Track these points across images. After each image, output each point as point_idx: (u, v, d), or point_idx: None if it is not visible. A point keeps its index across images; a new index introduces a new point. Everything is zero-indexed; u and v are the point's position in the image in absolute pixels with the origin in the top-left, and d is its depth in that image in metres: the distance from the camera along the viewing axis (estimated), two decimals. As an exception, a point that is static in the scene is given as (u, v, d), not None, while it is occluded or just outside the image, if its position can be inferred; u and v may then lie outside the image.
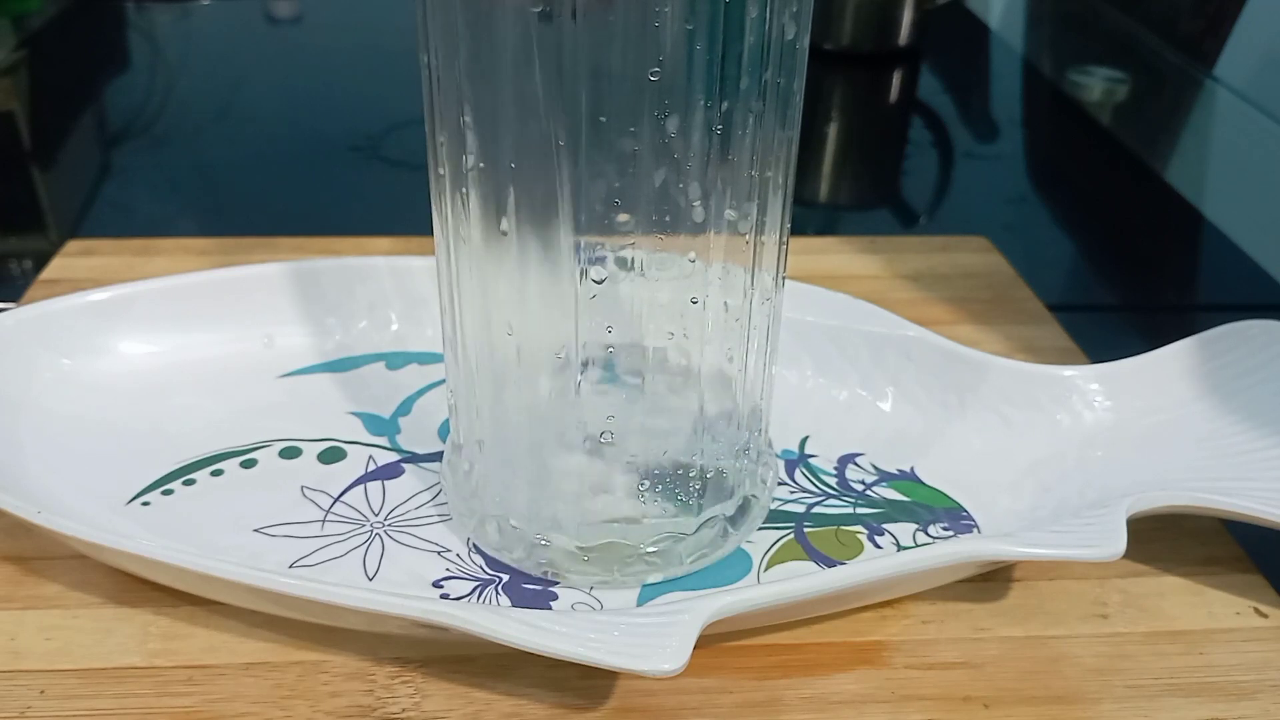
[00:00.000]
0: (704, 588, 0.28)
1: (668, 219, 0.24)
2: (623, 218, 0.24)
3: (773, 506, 0.31)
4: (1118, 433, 0.33)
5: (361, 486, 0.32)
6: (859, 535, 0.31)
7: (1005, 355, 0.36)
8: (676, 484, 0.28)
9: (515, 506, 0.28)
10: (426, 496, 0.31)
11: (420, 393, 0.36)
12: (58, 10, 0.78)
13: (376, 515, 0.31)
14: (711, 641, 0.27)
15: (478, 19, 0.23)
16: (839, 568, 0.28)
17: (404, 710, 0.26)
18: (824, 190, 0.59)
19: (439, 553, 0.30)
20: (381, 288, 0.38)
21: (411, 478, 0.32)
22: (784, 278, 0.28)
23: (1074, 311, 0.44)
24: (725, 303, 0.26)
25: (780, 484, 0.32)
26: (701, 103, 0.23)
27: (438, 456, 0.33)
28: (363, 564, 0.29)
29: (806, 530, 0.31)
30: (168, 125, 0.61)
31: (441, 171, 0.26)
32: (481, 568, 0.29)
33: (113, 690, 0.26)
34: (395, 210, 0.51)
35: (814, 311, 0.36)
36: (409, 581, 0.29)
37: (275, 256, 0.39)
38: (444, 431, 0.34)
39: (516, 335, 0.26)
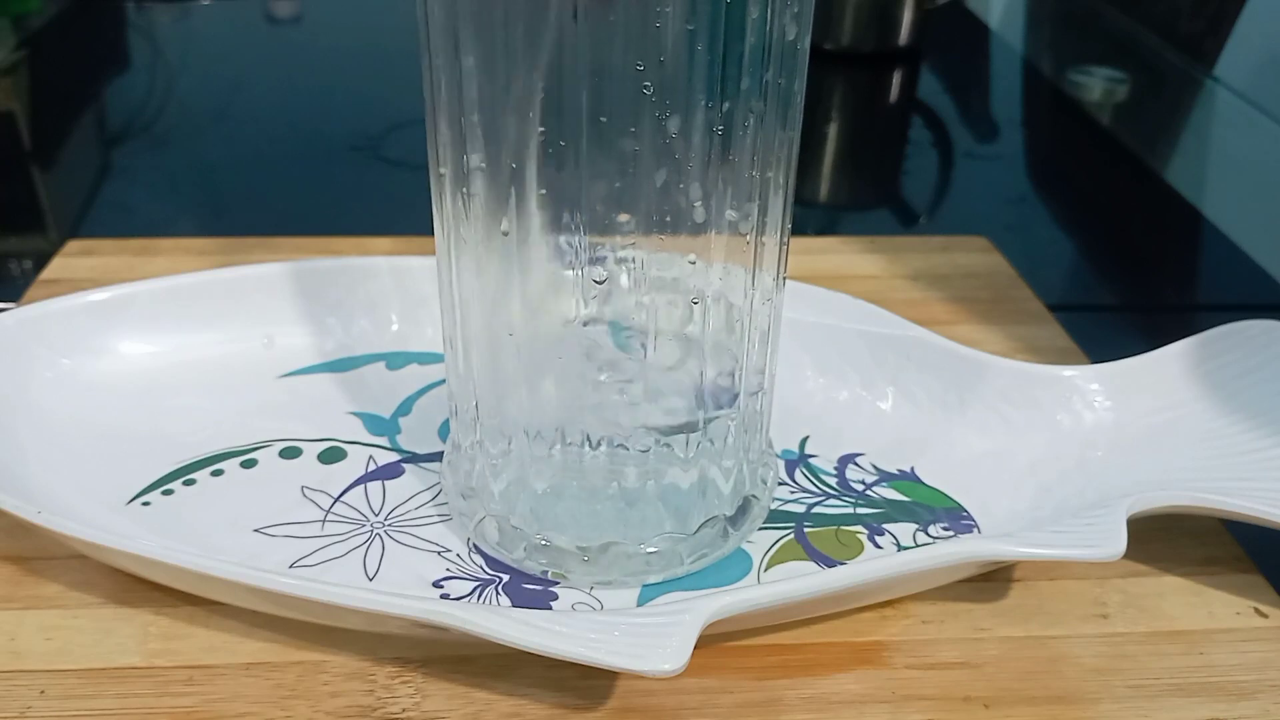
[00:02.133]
0: (704, 588, 0.28)
1: (668, 219, 0.24)
2: (623, 218, 0.24)
3: (773, 506, 0.31)
4: (1118, 433, 0.33)
5: (362, 486, 0.32)
6: (859, 535, 0.31)
7: (1005, 355, 0.36)
8: (677, 484, 0.28)
9: (515, 506, 0.28)
10: (427, 496, 0.32)
11: (420, 393, 0.36)
12: (58, 10, 0.78)
13: (377, 515, 0.31)
14: (711, 641, 0.27)
15: (479, 19, 0.23)
16: (839, 568, 0.28)
17: (404, 710, 0.26)
18: (824, 190, 0.59)
19: (439, 553, 0.30)
20: (381, 288, 0.38)
21: (411, 478, 0.32)
22: (784, 278, 0.28)
23: (1074, 311, 0.44)
24: (726, 303, 0.26)
25: (780, 484, 0.32)
26: (702, 103, 0.23)
27: (438, 456, 0.33)
28: (363, 564, 0.29)
29: (806, 530, 0.31)
30: (168, 125, 0.61)
31: (442, 171, 0.26)
32: (481, 568, 0.29)
33: (113, 690, 0.26)
34: (395, 210, 0.51)
35: (814, 311, 0.36)
36: (409, 581, 0.29)
37: (275, 256, 0.39)
38: (444, 431, 0.34)
39: (517, 335, 0.26)
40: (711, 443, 0.28)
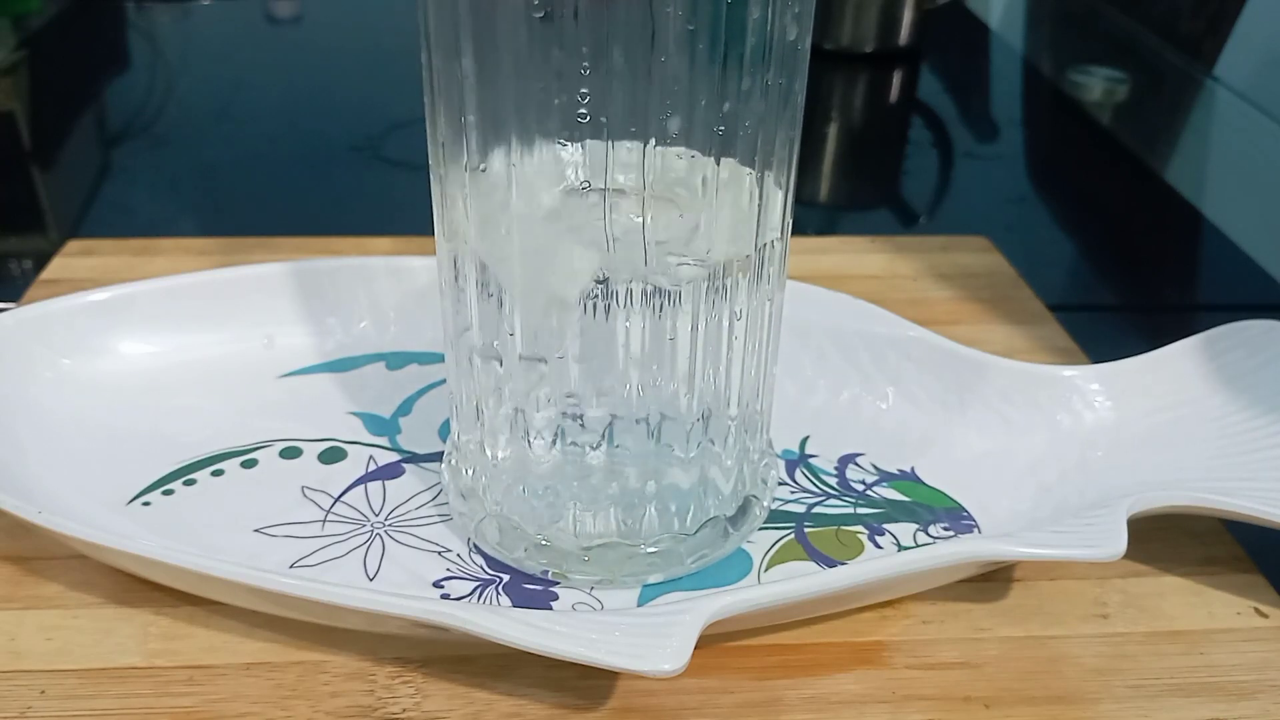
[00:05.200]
0: (704, 588, 0.28)
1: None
2: (623, 217, 0.24)
3: (773, 507, 0.31)
4: (1118, 433, 0.33)
5: (362, 486, 0.32)
6: (859, 535, 0.31)
7: (1005, 355, 0.36)
8: (677, 484, 0.28)
9: (516, 506, 0.28)
10: (427, 496, 0.31)
11: (420, 393, 0.36)
12: (58, 10, 0.78)
13: (377, 515, 0.31)
14: (711, 641, 0.27)
15: (479, 19, 0.23)
16: (839, 568, 0.28)
17: (404, 710, 0.26)
18: (824, 190, 0.59)
19: (439, 553, 0.30)
20: (381, 288, 0.38)
21: (412, 478, 0.32)
22: (784, 278, 0.28)
23: (1074, 311, 0.44)
24: (727, 310, 0.26)
25: (781, 484, 0.32)
26: (702, 103, 0.23)
27: (438, 456, 0.33)
28: (363, 564, 0.29)
29: (807, 530, 0.31)
30: (168, 125, 0.61)
31: (441, 172, 0.26)
32: (482, 568, 0.29)
33: (113, 690, 0.26)
34: (395, 210, 0.51)
35: (814, 311, 0.36)
36: (409, 581, 0.29)
37: (275, 256, 0.39)
38: (444, 431, 0.34)
39: (517, 336, 0.26)
40: (712, 443, 0.28)
